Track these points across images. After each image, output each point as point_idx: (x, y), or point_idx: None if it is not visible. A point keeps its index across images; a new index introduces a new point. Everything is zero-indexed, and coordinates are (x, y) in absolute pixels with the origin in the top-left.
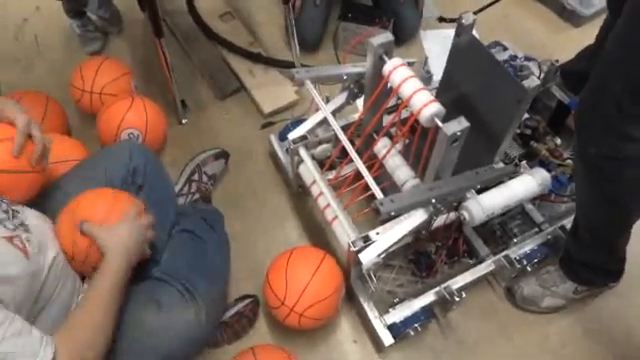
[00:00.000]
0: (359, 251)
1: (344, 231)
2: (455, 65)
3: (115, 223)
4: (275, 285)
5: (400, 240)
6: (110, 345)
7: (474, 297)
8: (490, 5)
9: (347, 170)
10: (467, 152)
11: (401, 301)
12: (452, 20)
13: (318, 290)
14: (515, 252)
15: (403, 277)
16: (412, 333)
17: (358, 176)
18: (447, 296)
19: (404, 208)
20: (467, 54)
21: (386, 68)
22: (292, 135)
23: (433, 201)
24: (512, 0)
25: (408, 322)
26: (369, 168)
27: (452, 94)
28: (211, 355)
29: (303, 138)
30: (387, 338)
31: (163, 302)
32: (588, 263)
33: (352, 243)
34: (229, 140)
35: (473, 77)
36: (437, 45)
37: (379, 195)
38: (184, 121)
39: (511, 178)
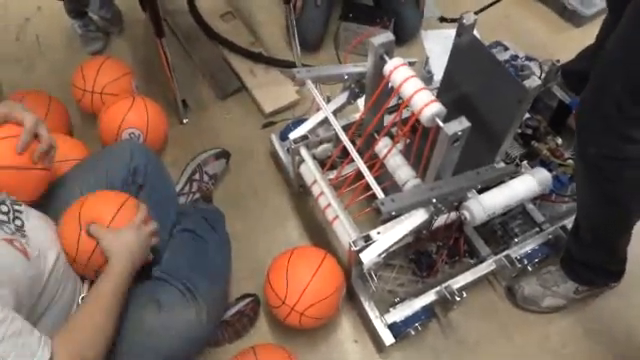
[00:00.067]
0: (360, 250)
1: (345, 231)
2: (456, 65)
3: (121, 227)
4: (276, 284)
5: (401, 240)
6: (110, 346)
7: (475, 297)
8: (491, 5)
9: (348, 170)
10: (468, 152)
11: (402, 301)
12: (453, 20)
13: (319, 289)
14: (516, 252)
15: (404, 276)
16: (413, 333)
17: (359, 176)
18: (448, 296)
19: (405, 208)
20: (468, 54)
21: (387, 68)
22: (293, 135)
23: (434, 201)
24: (513, 0)
25: (409, 322)
26: (370, 168)
27: (453, 94)
28: (212, 354)
29: (304, 138)
30: (388, 337)
31: (164, 302)
32: (589, 263)
33: (353, 243)
34: (230, 140)
35: (474, 77)
36: (438, 45)
37: (380, 195)
38: (185, 121)
39: (512, 178)
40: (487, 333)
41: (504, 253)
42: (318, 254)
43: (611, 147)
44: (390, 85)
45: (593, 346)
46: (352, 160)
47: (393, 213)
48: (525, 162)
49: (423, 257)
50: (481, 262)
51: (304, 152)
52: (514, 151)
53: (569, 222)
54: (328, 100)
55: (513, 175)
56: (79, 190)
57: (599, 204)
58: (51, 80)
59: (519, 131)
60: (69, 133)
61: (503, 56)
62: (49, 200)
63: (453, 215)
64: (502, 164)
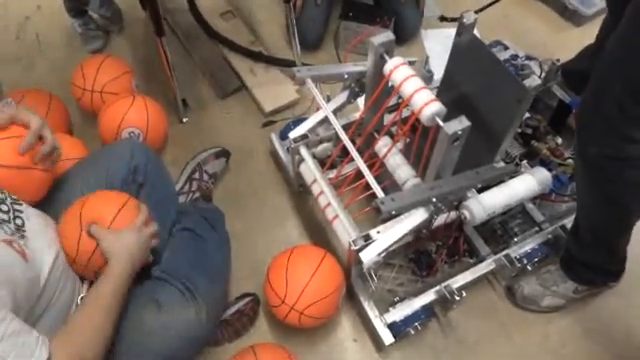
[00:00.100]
0: (360, 250)
1: (345, 230)
2: (456, 64)
3: (122, 229)
4: (275, 284)
5: (401, 239)
6: (110, 347)
7: (474, 296)
8: (491, 4)
9: (348, 169)
10: (468, 151)
11: (401, 300)
12: (453, 19)
13: (318, 289)
14: (515, 251)
15: (403, 276)
16: (412, 332)
17: (359, 175)
18: (447, 295)
19: (405, 207)
20: (468, 53)
21: (387, 67)
22: (293, 134)
23: (434, 200)
24: None
25: (408, 321)
26: (370, 167)
27: (453, 93)
28: (212, 354)
29: (304, 137)
30: (387, 337)
31: (163, 302)
32: (589, 263)
33: (353, 242)
34: (230, 139)
35: (474, 76)
36: (438, 44)
37: (380, 194)
38: (185, 120)
39: (512, 177)
40: (487, 332)
41: (504, 252)
42: (318, 253)
43: (612, 147)
44: (390, 84)
45: (592, 345)
46: (352, 159)
47: (393, 212)
48: (525, 161)
49: (423, 256)
50: (481, 261)
51: (304, 151)
52: (514, 150)
53: (569, 222)
54: (328, 99)
55: (513, 174)
56: (79, 189)
57: (599, 204)
58: (51, 79)
59: (519, 130)
60: (69, 132)
61: (503, 55)
62: (49, 199)
63: (453, 214)
64: (502, 163)
